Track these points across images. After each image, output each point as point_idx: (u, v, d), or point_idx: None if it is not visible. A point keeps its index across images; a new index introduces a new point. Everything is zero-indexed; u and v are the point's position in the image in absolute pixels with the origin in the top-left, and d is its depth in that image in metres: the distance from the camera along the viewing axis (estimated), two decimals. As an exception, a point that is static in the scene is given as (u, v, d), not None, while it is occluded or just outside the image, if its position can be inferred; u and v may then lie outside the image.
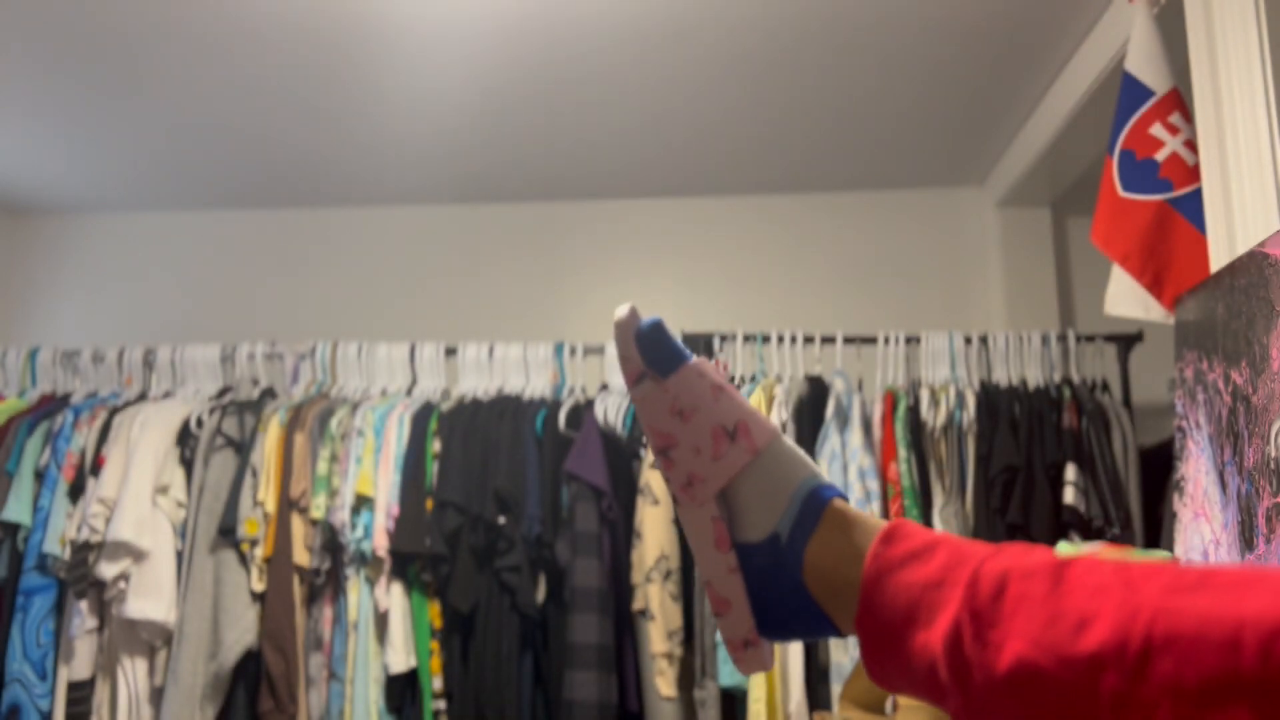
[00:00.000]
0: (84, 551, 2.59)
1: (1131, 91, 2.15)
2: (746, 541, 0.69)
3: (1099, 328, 3.00)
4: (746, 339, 2.90)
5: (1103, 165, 2.21)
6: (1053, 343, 2.87)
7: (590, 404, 2.81)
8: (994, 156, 3.47)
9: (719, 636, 2.47)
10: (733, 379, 2.83)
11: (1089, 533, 2.55)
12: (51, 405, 2.94)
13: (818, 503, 0.69)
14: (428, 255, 3.86)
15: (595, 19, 2.55)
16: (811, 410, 2.72)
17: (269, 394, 2.93)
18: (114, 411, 2.85)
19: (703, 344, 2.90)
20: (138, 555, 2.60)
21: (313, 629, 2.63)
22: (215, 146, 3.32)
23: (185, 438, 2.76)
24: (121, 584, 2.59)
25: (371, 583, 2.61)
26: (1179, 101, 2.10)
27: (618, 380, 2.91)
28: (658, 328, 0.72)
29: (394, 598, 2.59)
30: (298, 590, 2.60)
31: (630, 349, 0.71)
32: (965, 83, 2.92)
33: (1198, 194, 2.00)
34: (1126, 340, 2.95)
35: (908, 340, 2.89)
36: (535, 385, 2.93)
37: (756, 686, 2.43)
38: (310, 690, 2.60)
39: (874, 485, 2.57)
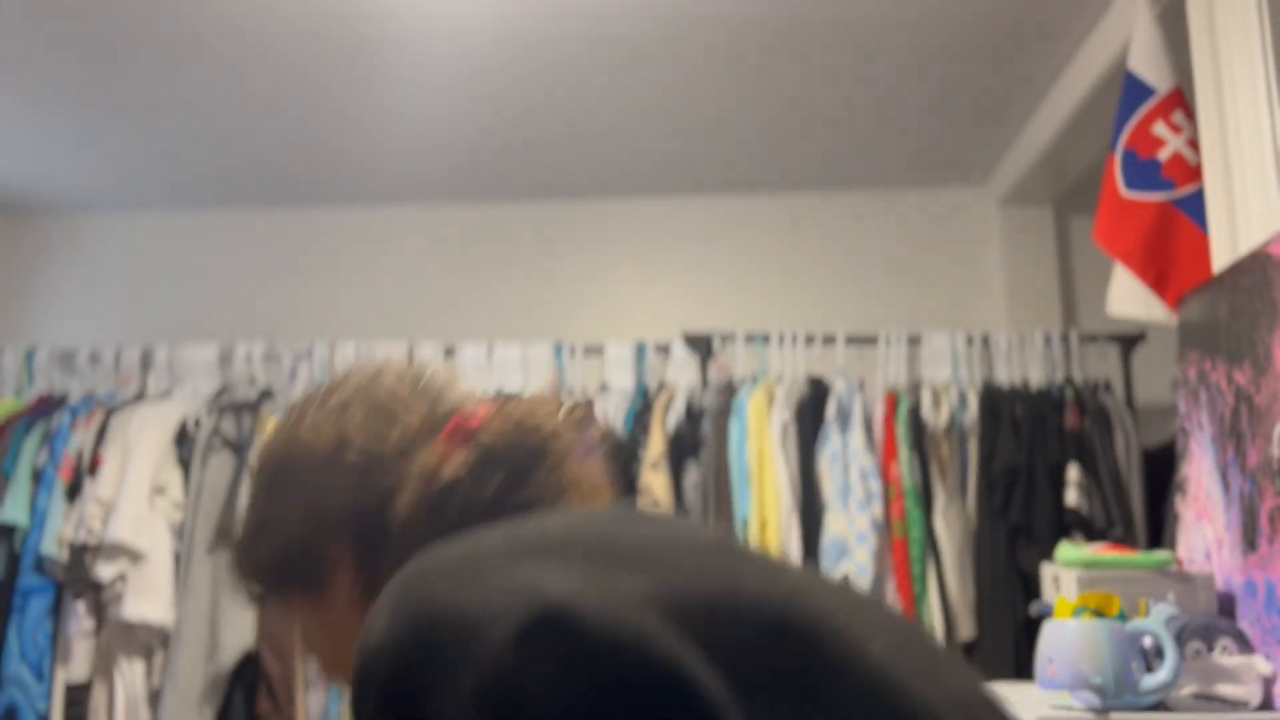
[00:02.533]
0: (81, 553, 2.58)
1: (1134, 90, 2.13)
2: None
3: (1101, 328, 2.98)
4: (746, 339, 2.89)
5: (1105, 164, 2.20)
6: (1055, 343, 2.86)
7: (590, 404, 2.80)
8: (996, 155, 3.45)
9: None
10: (732, 379, 2.82)
11: (1091, 533, 2.54)
12: (49, 406, 2.93)
13: None
14: (426, 255, 3.85)
15: (594, 20, 2.54)
16: (812, 410, 2.71)
17: (267, 394, 2.92)
18: (111, 412, 2.84)
19: (703, 344, 2.89)
20: (135, 556, 2.59)
21: (311, 630, 2.62)
22: (215, 146, 3.31)
23: (183, 438, 2.75)
24: (119, 585, 2.58)
25: (370, 584, 2.60)
26: (1181, 100, 2.09)
27: (618, 380, 2.90)
28: None
29: (392, 599, 2.58)
30: (296, 591, 2.59)
31: None
32: (967, 81, 2.91)
33: (1200, 193, 1.99)
34: (1129, 340, 2.94)
35: (909, 340, 2.88)
36: (534, 385, 2.92)
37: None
38: (308, 692, 2.59)
39: (875, 486, 2.55)
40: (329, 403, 0.78)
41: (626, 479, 2.71)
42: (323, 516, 0.73)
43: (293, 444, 0.77)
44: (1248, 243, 1.71)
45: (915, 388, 2.80)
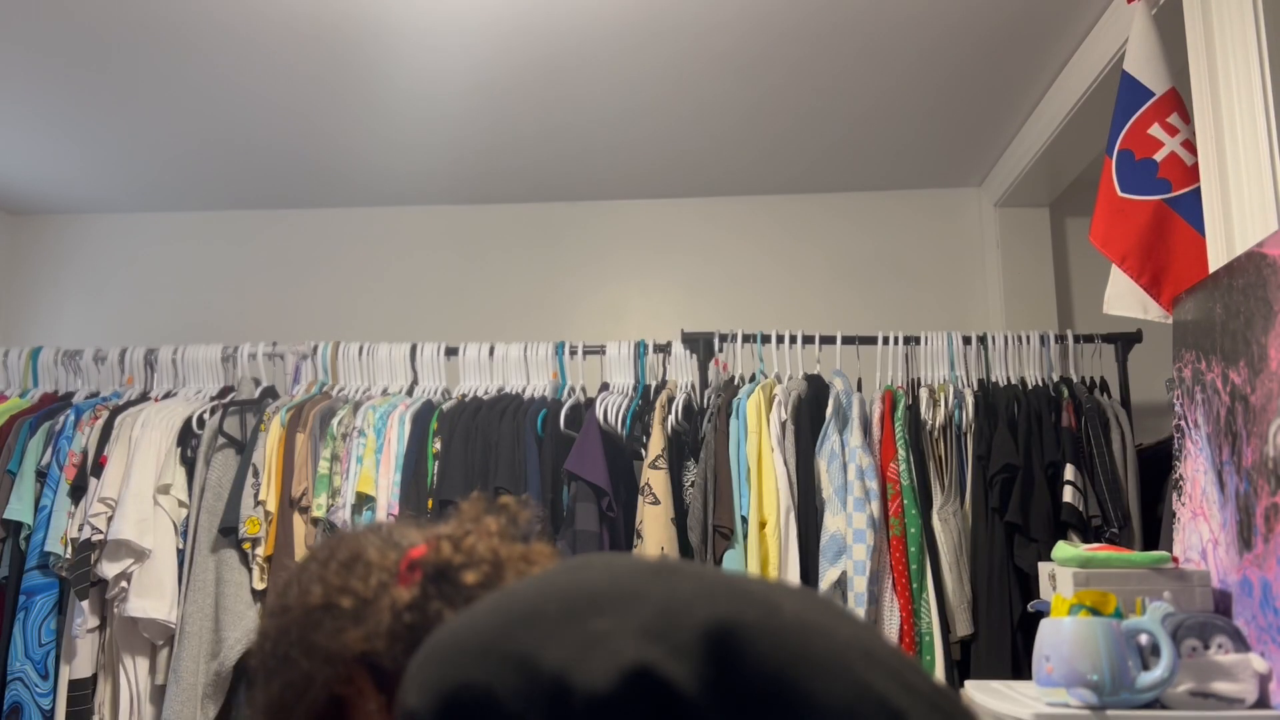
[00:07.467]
0: (86, 551, 2.60)
1: (1130, 92, 2.15)
2: None
3: (1097, 327, 3.00)
4: (746, 339, 2.90)
5: (1101, 165, 2.21)
6: (1051, 343, 2.88)
7: (590, 403, 2.81)
8: (993, 156, 3.47)
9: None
10: (732, 379, 2.83)
11: (1087, 532, 2.56)
12: (53, 405, 2.94)
13: None
14: (429, 255, 3.86)
15: (594, 21, 2.56)
16: (811, 410, 2.73)
17: (270, 394, 2.93)
18: (115, 411, 2.85)
19: (703, 344, 2.91)
20: (139, 554, 2.60)
21: (314, 628, 2.63)
22: (216, 147, 3.32)
23: (187, 437, 2.77)
24: (123, 583, 2.59)
25: (372, 582, 2.61)
26: (1178, 102, 2.11)
27: (618, 380, 2.92)
28: None
29: (395, 597, 2.59)
30: (299, 589, 2.60)
31: None
32: (964, 83, 2.92)
33: (1196, 194, 2.00)
34: (1125, 340, 2.96)
35: (907, 340, 2.89)
36: (535, 385, 2.93)
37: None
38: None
39: (873, 485, 2.57)
40: (307, 571, 0.89)
41: (627, 477, 2.73)
42: (340, 658, 0.83)
43: (287, 612, 0.87)
44: (1243, 243, 1.73)
45: (913, 387, 2.81)
